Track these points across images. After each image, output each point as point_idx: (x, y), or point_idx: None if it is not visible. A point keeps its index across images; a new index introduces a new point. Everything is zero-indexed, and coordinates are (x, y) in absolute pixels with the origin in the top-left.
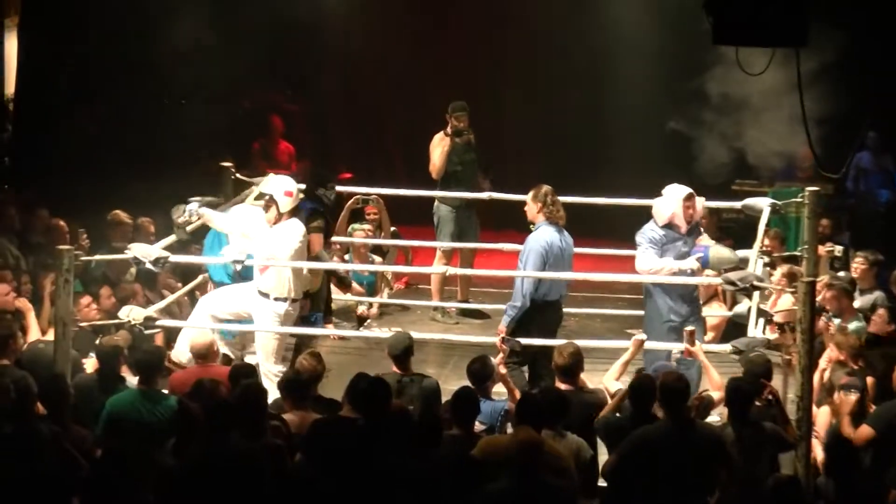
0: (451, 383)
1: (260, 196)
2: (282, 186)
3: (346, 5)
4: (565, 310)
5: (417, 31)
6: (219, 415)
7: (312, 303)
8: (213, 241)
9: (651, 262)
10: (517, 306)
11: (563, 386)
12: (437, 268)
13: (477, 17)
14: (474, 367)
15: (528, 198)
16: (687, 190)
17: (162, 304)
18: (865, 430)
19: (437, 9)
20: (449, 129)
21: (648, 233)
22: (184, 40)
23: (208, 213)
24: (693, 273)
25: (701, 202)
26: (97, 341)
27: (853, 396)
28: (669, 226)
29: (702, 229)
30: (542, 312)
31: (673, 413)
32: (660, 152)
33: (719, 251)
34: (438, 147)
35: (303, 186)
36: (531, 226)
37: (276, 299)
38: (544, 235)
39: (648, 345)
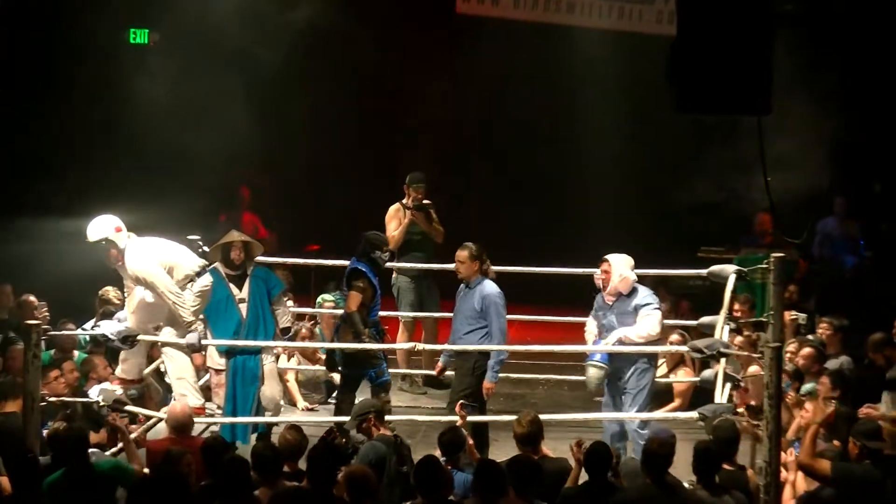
0: (420, 452)
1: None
2: (111, 224)
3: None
4: (534, 376)
5: (380, 103)
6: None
7: (362, 361)
8: (217, 313)
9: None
10: (502, 360)
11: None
12: (405, 344)
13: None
14: (445, 438)
15: (463, 256)
16: (605, 257)
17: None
18: (823, 465)
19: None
20: (408, 202)
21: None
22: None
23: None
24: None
25: (628, 272)
26: (51, 426)
27: (831, 408)
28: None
29: (636, 287)
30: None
31: (655, 478)
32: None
33: (589, 370)
34: (395, 219)
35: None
36: (466, 284)
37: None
38: (494, 288)
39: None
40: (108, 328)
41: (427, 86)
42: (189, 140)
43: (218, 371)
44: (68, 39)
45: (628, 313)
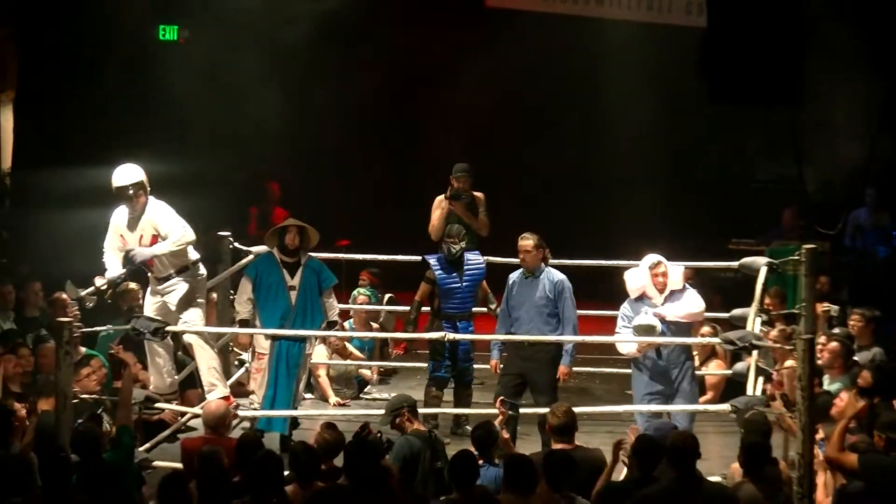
0: (453, 448)
1: (119, 192)
2: (140, 173)
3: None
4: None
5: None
6: (215, 485)
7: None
8: (266, 297)
9: (622, 344)
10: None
11: (560, 446)
12: (435, 334)
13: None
14: (478, 433)
15: (530, 245)
16: (654, 258)
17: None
18: (850, 459)
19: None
20: (448, 192)
21: (621, 310)
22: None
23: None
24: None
25: (677, 267)
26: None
27: (863, 402)
28: (642, 298)
29: (686, 286)
30: None
31: (682, 472)
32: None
33: (641, 320)
34: (438, 209)
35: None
36: (527, 273)
37: (179, 272)
38: (562, 274)
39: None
40: (138, 322)
41: (457, 80)
42: (219, 134)
43: (260, 356)
44: (98, 36)
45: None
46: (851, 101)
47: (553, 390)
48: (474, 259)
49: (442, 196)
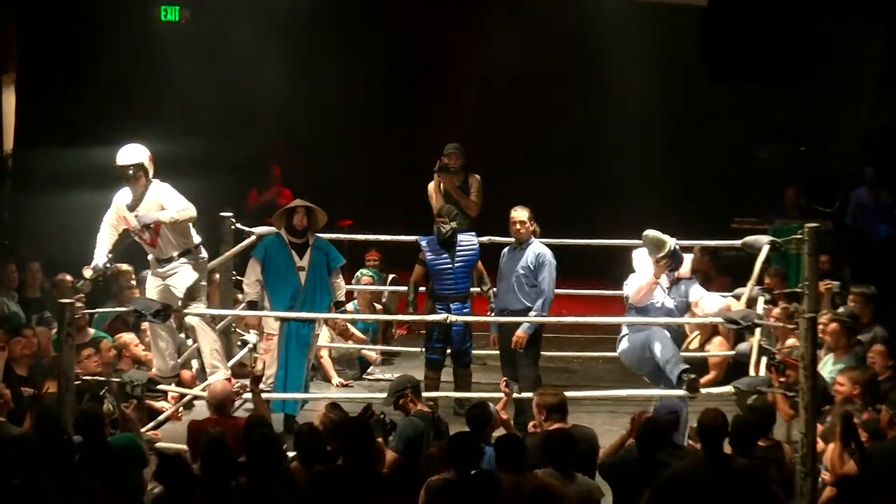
0: (455, 427)
1: (120, 171)
2: (144, 153)
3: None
4: (568, 353)
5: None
6: (218, 468)
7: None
8: (276, 278)
9: (635, 281)
10: (544, 315)
11: (556, 425)
12: (436, 316)
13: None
14: (473, 413)
15: (526, 216)
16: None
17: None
18: (849, 468)
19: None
20: (436, 167)
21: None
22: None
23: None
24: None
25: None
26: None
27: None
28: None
29: (693, 277)
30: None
31: (710, 450)
32: (659, 193)
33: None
34: (434, 193)
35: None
36: (517, 244)
37: (181, 255)
38: (546, 247)
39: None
40: (140, 304)
41: (459, 60)
42: (221, 115)
43: (269, 336)
44: (100, 18)
45: (682, 301)
46: (853, 77)
47: (533, 360)
48: (467, 240)
49: (432, 182)
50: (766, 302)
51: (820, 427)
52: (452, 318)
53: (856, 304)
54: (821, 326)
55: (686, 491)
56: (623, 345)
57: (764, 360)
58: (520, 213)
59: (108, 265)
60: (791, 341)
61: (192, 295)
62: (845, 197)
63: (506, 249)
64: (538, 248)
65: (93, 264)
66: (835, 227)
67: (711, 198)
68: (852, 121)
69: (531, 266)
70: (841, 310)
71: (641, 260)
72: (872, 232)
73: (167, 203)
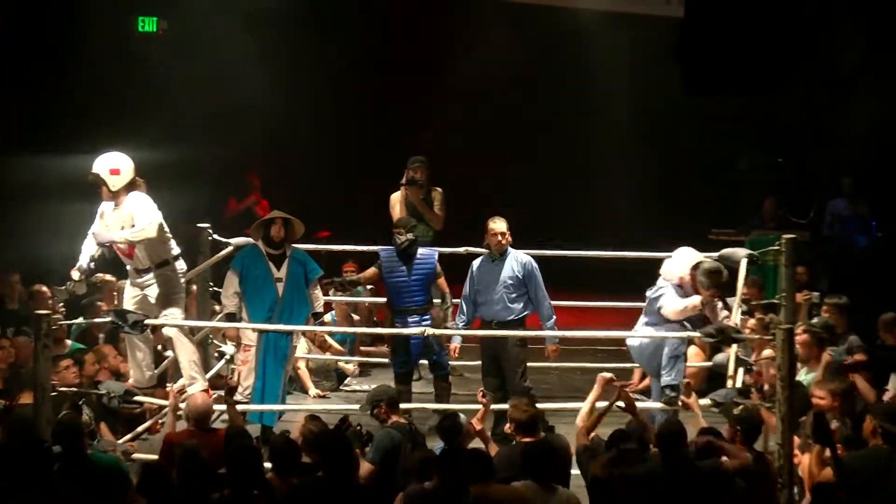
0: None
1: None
2: (106, 165)
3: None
4: (545, 364)
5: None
6: (193, 479)
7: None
8: (254, 289)
9: (678, 303)
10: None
11: (526, 439)
12: (414, 329)
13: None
14: (445, 424)
15: (505, 227)
16: (698, 257)
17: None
18: (826, 475)
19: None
20: (403, 180)
21: (670, 291)
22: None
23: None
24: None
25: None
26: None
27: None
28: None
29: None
30: None
31: (667, 456)
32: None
33: (703, 266)
34: (396, 204)
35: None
36: (494, 256)
37: (159, 266)
38: (529, 257)
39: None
40: (117, 315)
41: (436, 69)
42: (198, 125)
43: (247, 347)
44: (79, 29)
45: (652, 310)
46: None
47: (522, 370)
48: (425, 255)
49: (396, 193)
50: (743, 312)
51: (797, 439)
52: (430, 331)
53: (830, 314)
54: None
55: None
56: (635, 342)
57: (741, 370)
58: (499, 224)
59: (93, 265)
60: (767, 352)
61: (169, 306)
62: (820, 208)
63: (479, 261)
64: (521, 257)
65: (77, 265)
66: (812, 238)
67: (690, 208)
68: (831, 132)
69: (518, 275)
70: (815, 321)
71: (674, 269)
72: (851, 243)
73: (136, 217)
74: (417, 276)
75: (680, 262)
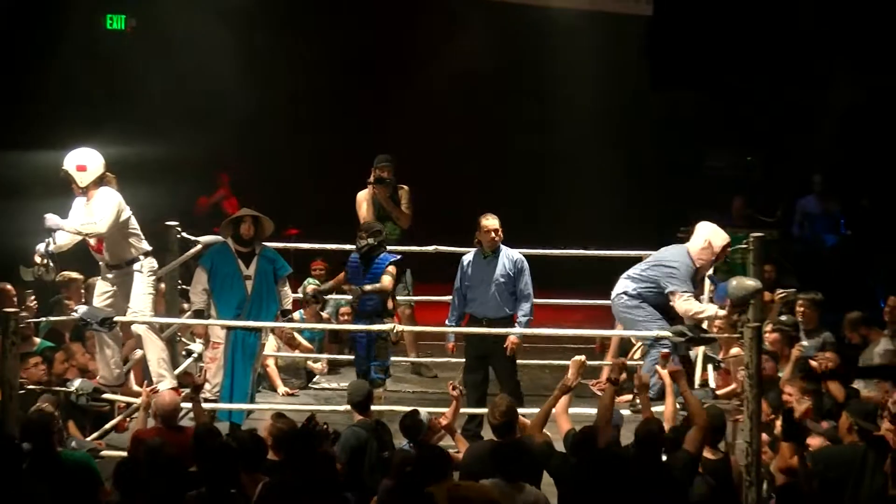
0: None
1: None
2: (73, 161)
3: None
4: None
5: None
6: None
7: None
8: (222, 287)
9: (697, 307)
10: (531, 319)
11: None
12: (384, 326)
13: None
14: (406, 423)
15: (498, 224)
16: (726, 237)
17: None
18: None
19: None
20: (371, 178)
21: (685, 273)
22: None
23: (58, 232)
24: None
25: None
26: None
27: (805, 404)
28: (698, 269)
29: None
30: None
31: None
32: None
33: (740, 282)
34: (363, 203)
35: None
36: (487, 252)
37: (129, 262)
38: (520, 254)
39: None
40: (86, 312)
41: (407, 67)
42: (167, 125)
43: (215, 345)
44: (48, 27)
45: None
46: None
47: (513, 367)
48: (383, 259)
49: (363, 191)
50: None
51: (766, 437)
52: (400, 328)
53: (804, 309)
54: (766, 336)
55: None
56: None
57: (710, 367)
58: (491, 221)
59: (51, 249)
60: (735, 350)
61: (135, 298)
62: (789, 206)
63: (470, 257)
64: (513, 255)
65: (38, 248)
66: (781, 237)
67: (658, 206)
68: (801, 129)
69: (510, 273)
70: (784, 318)
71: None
72: (819, 241)
73: (94, 211)
74: (369, 279)
75: (712, 239)
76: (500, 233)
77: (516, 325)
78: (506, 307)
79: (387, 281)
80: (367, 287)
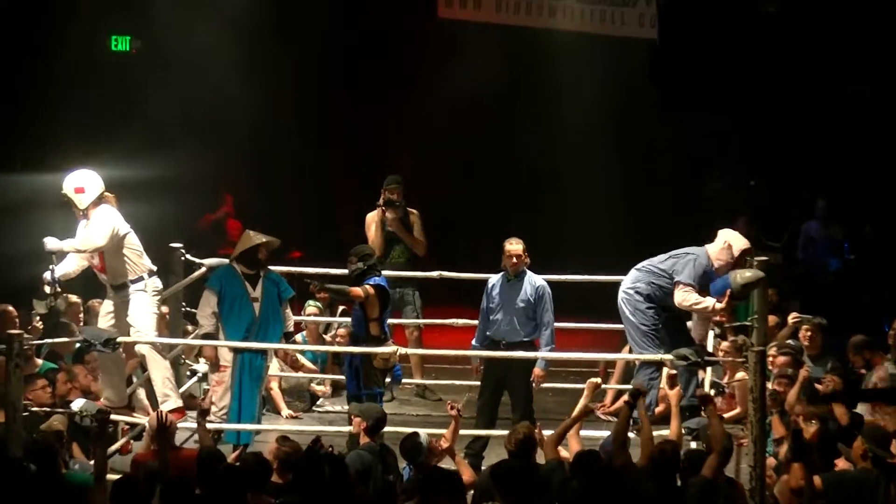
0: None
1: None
2: (71, 184)
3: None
4: None
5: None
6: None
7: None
8: (231, 309)
9: (694, 298)
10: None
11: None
12: (387, 348)
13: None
14: (406, 445)
15: (521, 249)
16: (747, 243)
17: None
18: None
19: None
20: (380, 201)
21: (695, 270)
22: None
23: (64, 258)
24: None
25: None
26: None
27: (814, 427)
28: (715, 270)
29: None
30: None
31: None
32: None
33: (741, 273)
34: (371, 225)
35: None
36: (510, 276)
37: (133, 282)
38: (544, 281)
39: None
40: (89, 333)
41: (410, 89)
42: (172, 143)
43: (223, 367)
44: (51, 47)
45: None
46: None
47: (528, 392)
48: (374, 282)
49: (372, 213)
50: (716, 335)
51: (772, 461)
52: (403, 350)
53: (807, 335)
54: (769, 359)
55: None
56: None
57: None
58: (515, 246)
59: (55, 276)
60: (740, 375)
61: (140, 318)
62: (795, 231)
63: (496, 280)
64: (536, 280)
65: (45, 276)
66: (785, 261)
67: (662, 228)
68: (804, 154)
69: (531, 299)
70: (790, 342)
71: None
72: (822, 265)
73: (90, 229)
74: (357, 305)
75: (732, 244)
76: (522, 258)
77: (539, 354)
78: (522, 332)
79: (356, 290)
80: (330, 285)
